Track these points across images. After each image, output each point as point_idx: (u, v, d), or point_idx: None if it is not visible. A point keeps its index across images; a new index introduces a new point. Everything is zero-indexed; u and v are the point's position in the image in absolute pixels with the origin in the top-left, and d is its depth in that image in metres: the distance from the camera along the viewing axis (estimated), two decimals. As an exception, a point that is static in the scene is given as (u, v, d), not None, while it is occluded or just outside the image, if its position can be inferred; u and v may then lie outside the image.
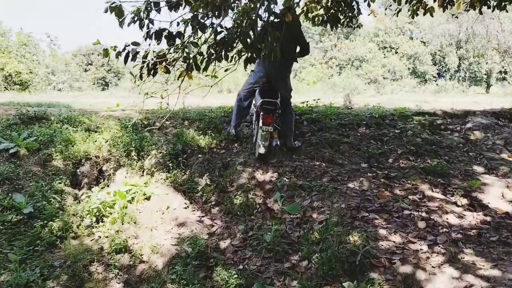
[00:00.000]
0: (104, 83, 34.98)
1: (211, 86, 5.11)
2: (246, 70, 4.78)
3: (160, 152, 5.79)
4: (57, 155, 5.64)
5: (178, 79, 4.45)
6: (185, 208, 5.13)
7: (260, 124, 5.39)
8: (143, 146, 5.82)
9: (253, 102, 6.03)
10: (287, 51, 5.31)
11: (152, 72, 4.31)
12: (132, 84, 4.87)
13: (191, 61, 4.16)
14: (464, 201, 5.05)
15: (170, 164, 5.60)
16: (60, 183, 5.30)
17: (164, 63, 4.15)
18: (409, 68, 40.01)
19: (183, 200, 5.23)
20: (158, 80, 5.11)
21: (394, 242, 4.23)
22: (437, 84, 38.08)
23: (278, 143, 5.76)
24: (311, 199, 5.06)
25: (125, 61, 4.03)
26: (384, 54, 40.21)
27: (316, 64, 39.64)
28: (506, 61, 33.06)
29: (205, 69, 4.27)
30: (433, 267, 3.86)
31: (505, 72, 37.85)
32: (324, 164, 5.72)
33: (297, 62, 6.17)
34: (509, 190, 5.31)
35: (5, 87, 25.52)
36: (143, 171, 5.61)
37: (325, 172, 5.51)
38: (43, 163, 5.63)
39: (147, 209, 5.02)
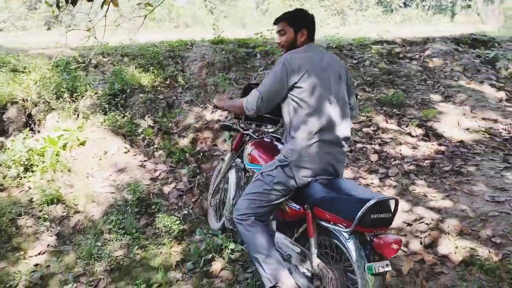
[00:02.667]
0: (53, 22, 32.47)
1: (145, 16, 4.54)
2: None
3: (96, 93, 5.25)
4: (-23, 100, 5.03)
5: (102, 8, 3.86)
6: (125, 152, 4.73)
7: (365, 261, 2.14)
8: (76, 87, 5.25)
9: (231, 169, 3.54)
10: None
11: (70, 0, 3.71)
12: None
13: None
14: (419, 131, 4.87)
15: (107, 106, 5.10)
16: (-18, 131, 4.75)
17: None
18: (378, -1, 39.01)
19: (122, 144, 4.81)
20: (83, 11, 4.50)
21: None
22: (402, 14, 37.47)
23: None
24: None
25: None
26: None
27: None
28: (470, -11, 32.65)
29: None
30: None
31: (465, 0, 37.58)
32: (274, 99, 5.35)
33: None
34: (465, 118, 5.16)
35: None
36: (77, 115, 5.09)
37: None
38: (-37, 110, 5.02)
39: (82, 155, 4.59)
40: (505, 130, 4.93)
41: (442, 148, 4.54)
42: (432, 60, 6.74)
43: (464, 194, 3.71)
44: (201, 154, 4.79)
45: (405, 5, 42.49)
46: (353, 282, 2.28)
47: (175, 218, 3.89)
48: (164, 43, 6.77)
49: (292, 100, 2.46)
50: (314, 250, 2.42)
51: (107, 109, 5.07)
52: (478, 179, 3.94)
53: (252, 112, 2.58)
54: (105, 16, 4.12)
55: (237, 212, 2.65)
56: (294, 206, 2.60)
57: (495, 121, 5.11)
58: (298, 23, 2.63)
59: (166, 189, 4.38)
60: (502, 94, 5.80)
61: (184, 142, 4.91)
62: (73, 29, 4.21)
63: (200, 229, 3.74)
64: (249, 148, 3.19)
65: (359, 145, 4.55)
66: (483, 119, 5.17)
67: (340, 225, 2.24)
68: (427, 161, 4.29)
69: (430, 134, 4.81)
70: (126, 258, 3.50)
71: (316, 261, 2.42)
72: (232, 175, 3.41)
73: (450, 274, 2.92)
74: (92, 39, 4.69)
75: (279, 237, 2.79)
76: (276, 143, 3.19)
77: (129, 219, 3.88)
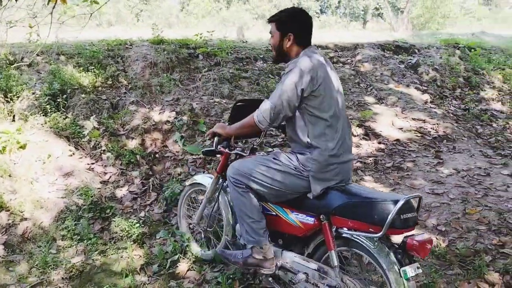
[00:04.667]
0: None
1: (91, 13, 4.39)
2: None
3: (33, 93, 4.93)
4: None
5: (48, 4, 3.68)
6: (71, 155, 4.51)
7: (398, 266, 2.06)
8: (10, 87, 4.89)
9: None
10: None
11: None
12: None
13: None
14: (360, 130, 5.22)
15: (47, 107, 4.81)
16: None
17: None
18: (294, 4, 40.49)
19: (67, 146, 4.58)
20: (24, 7, 4.23)
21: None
22: (319, 20, 39.29)
23: None
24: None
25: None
26: (270, -11, 39.94)
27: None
28: (381, -2, 35.16)
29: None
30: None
31: (378, 9, 40.45)
32: (224, 101, 5.43)
33: None
34: (397, 118, 5.62)
35: None
36: (13, 116, 4.75)
37: (225, 109, 5.23)
38: None
39: (24, 159, 4.29)
40: (433, 129, 5.46)
41: (382, 146, 4.93)
42: (363, 65, 7.23)
43: (407, 188, 4.07)
44: (152, 155, 4.71)
45: (321, 11, 44.69)
46: None
47: (134, 221, 3.82)
48: (102, 41, 6.51)
49: (308, 110, 2.30)
50: (336, 263, 2.25)
51: (48, 110, 4.79)
52: (417, 174, 4.35)
53: (265, 126, 2.37)
54: (51, 13, 3.95)
55: (234, 174, 2.53)
56: (307, 220, 2.39)
57: (424, 121, 5.64)
58: (285, 26, 2.43)
59: (119, 192, 4.26)
60: (427, 97, 6.41)
61: (132, 143, 4.80)
62: (15, 26, 3.95)
63: (164, 230, 3.71)
64: None
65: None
66: (413, 119, 5.68)
67: (366, 232, 2.11)
68: (370, 158, 4.64)
69: (370, 134, 5.19)
70: (86, 264, 3.38)
71: (340, 275, 2.25)
72: (224, 198, 3.11)
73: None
74: (34, 36, 4.44)
75: (288, 256, 2.54)
76: None
77: (84, 224, 3.73)
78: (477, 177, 4.29)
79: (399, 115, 5.72)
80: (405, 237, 2.06)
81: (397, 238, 2.16)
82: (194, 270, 3.30)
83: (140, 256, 3.49)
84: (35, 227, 3.72)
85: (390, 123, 5.50)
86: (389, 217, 1.95)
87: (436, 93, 6.76)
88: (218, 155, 3.06)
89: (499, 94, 7.20)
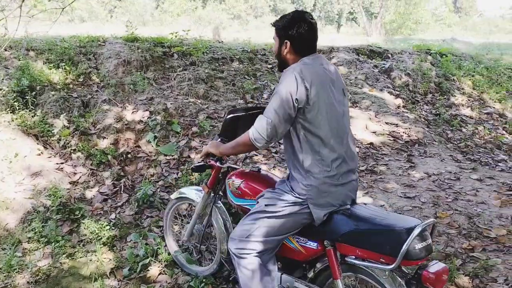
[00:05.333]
0: None
1: (63, 8, 4.26)
2: None
3: (1, 89, 4.75)
4: None
5: (18, -4, 3.55)
6: (39, 154, 4.36)
7: None
8: (-24, 82, 4.70)
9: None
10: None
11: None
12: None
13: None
14: (334, 134, 5.24)
15: (15, 104, 4.64)
16: None
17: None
18: (270, 6, 40.71)
19: (35, 145, 4.42)
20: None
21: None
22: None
23: None
24: (188, 138, 4.72)
25: None
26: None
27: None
28: (355, 3, 35.67)
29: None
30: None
31: (351, 13, 41.05)
32: (199, 101, 5.36)
33: None
34: (371, 122, 5.69)
35: None
36: (-22, 113, 4.57)
37: (200, 110, 5.18)
38: None
39: (-11, 158, 4.13)
40: (405, 133, 5.55)
41: (356, 149, 4.96)
42: (338, 68, 7.29)
43: (380, 191, 4.12)
44: (124, 156, 4.61)
45: (297, 14, 45.05)
46: None
47: (104, 223, 3.72)
48: (74, 37, 6.34)
49: (301, 124, 2.08)
50: None
51: (16, 107, 4.61)
52: (390, 177, 4.41)
53: (262, 144, 2.13)
54: (21, 7, 3.83)
55: (234, 245, 2.26)
56: (310, 245, 2.20)
57: (396, 125, 5.72)
58: (283, 32, 2.22)
59: (89, 193, 4.15)
60: (399, 101, 6.51)
61: (104, 143, 4.68)
62: (-19, 18, 3.79)
63: (136, 234, 3.62)
64: (236, 182, 2.63)
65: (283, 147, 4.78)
66: (386, 123, 5.75)
67: (377, 262, 1.92)
68: (344, 162, 4.66)
69: (344, 137, 5.22)
70: (53, 268, 3.27)
71: None
72: (217, 214, 2.94)
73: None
74: (1, 29, 4.28)
75: (288, 280, 2.35)
76: (264, 172, 2.72)
77: (51, 226, 3.61)
78: (447, 181, 4.38)
79: (373, 119, 5.79)
80: (419, 267, 1.85)
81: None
82: (165, 274, 3.24)
83: (110, 259, 3.40)
84: (0, 229, 3.57)
85: (364, 126, 5.56)
86: (402, 248, 1.76)
87: (409, 97, 6.89)
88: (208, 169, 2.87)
89: (469, 100, 7.40)
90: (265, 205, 2.21)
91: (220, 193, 2.92)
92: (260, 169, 2.72)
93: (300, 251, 2.25)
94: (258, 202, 2.30)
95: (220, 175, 2.83)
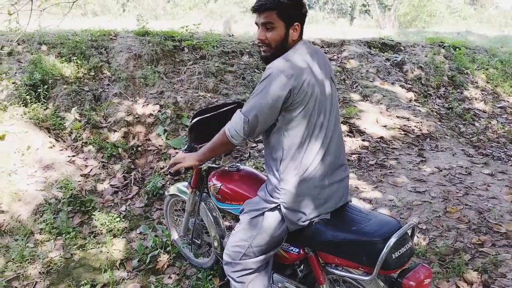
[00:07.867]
0: None
1: (74, 1, 4.29)
2: None
3: (13, 83, 4.82)
4: None
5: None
6: (51, 147, 4.42)
7: None
8: (-11, 76, 4.77)
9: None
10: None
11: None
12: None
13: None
14: (344, 127, 5.22)
15: (27, 97, 4.71)
16: None
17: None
18: (282, -2, 40.38)
19: (47, 138, 4.49)
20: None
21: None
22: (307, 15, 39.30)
23: None
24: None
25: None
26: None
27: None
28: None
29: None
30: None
31: (365, 6, 40.56)
32: (209, 95, 5.38)
33: None
34: (382, 116, 5.64)
35: None
36: (-9, 106, 4.64)
37: (210, 103, 5.19)
38: None
39: (2, 150, 4.19)
40: (417, 127, 5.50)
41: (366, 143, 4.94)
42: (349, 61, 7.24)
43: (390, 186, 4.10)
44: (135, 149, 4.65)
45: (309, 6, 44.69)
46: None
47: (114, 215, 3.76)
48: (86, 31, 6.39)
49: (284, 120, 1.90)
50: None
51: (28, 101, 4.68)
52: (400, 171, 4.38)
53: (240, 141, 1.97)
54: (31, 0, 3.86)
55: (231, 268, 2.15)
56: (292, 250, 2.15)
57: (408, 119, 5.67)
58: (291, 14, 1.92)
59: (100, 186, 4.20)
60: (411, 95, 6.44)
61: (115, 136, 4.73)
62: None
63: (145, 226, 3.66)
64: (216, 185, 2.52)
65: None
66: (397, 117, 5.70)
67: (356, 271, 1.88)
68: (354, 156, 4.65)
69: (354, 131, 5.20)
70: (64, 259, 3.33)
71: None
72: (205, 210, 2.88)
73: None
74: (13, 23, 4.33)
75: (279, 280, 2.30)
76: (244, 170, 2.58)
77: (63, 218, 3.67)
78: (458, 176, 4.33)
79: (384, 112, 5.74)
80: (399, 275, 1.79)
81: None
82: (174, 265, 3.27)
83: (120, 251, 3.44)
84: (13, 220, 3.64)
85: (375, 120, 5.52)
86: (379, 258, 1.69)
87: (421, 91, 6.81)
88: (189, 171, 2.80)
89: (482, 93, 7.30)
90: (250, 219, 2.06)
91: (206, 190, 2.82)
92: (238, 167, 2.58)
93: (283, 256, 2.20)
94: (241, 215, 2.14)
95: (203, 172, 2.74)
